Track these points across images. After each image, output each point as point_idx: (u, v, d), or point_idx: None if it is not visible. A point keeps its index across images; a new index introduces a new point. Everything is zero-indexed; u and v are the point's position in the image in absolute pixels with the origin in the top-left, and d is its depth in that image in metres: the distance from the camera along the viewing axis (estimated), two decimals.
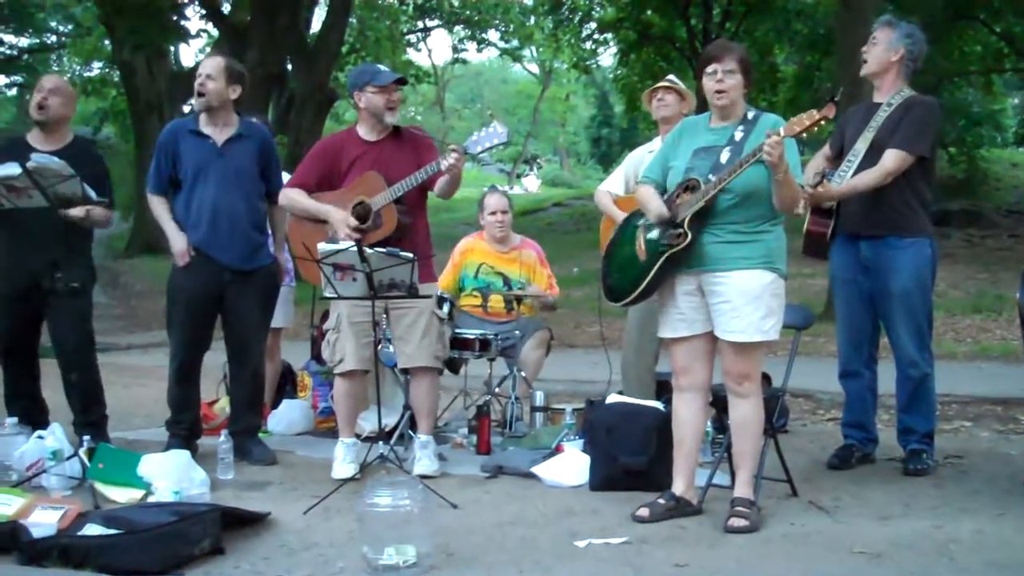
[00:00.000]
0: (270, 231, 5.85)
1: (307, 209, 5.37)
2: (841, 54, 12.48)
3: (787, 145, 4.12)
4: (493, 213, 6.75)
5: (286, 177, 5.72)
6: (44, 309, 5.53)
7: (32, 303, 5.50)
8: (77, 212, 5.31)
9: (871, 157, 5.15)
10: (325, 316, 7.05)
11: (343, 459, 5.22)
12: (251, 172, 5.60)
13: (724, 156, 4.31)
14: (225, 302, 5.58)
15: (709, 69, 4.39)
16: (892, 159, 5.08)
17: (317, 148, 5.61)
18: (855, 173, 5.17)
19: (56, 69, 37.51)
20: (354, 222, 5.17)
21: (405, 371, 5.92)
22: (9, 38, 36.79)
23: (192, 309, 5.56)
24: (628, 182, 5.94)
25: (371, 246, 4.87)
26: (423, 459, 5.23)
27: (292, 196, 5.42)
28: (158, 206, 5.64)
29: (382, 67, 5.49)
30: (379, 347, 5.29)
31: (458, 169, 5.05)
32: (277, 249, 5.90)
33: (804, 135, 4.17)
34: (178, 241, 5.52)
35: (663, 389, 5.63)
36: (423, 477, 5.03)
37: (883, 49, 5.25)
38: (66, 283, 5.45)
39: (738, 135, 4.35)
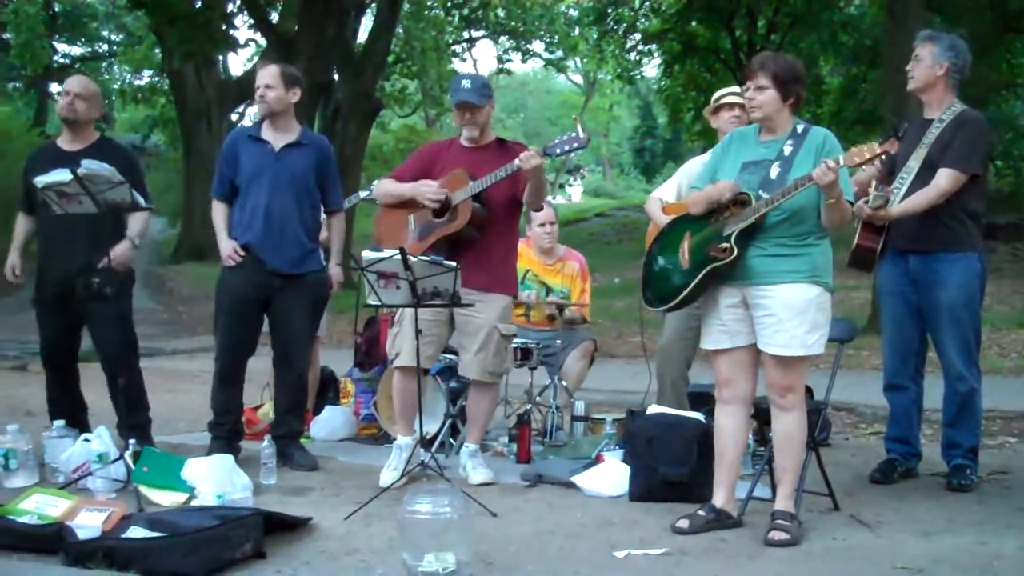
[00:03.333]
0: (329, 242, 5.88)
1: (394, 192, 5.43)
2: (888, 65, 12.37)
3: (841, 171, 4.12)
4: (542, 225, 6.74)
5: None
6: (84, 314, 5.58)
7: (70, 308, 5.55)
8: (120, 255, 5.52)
9: (924, 175, 5.12)
10: (368, 323, 7.12)
11: (392, 464, 5.22)
12: (306, 178, 5.64)
13: (774, 171, 4.29)
14: (273, 306, 5.63)
15: (745, 86, 4.40)
16: (946, 179, 5.04)
17: (420, 148, 5.77)
18: (908, 190, 5.15)
19: (107, 77, 38.04)
20: (435, 185, 5.25)
21: (447, 379, 5.96)
22: (63, 47, 37.38)
23: (238, 310, 5.61)
24: (680, 191, 5.93)
25: (438, 245, 5.00)
26: (478, 468, 5.28)
27: (384, 184, 5.53)
28: (217, 212, 5.72)
29: (463, 83, 5.42)
30: None
31: (539, 171, 5.07)
32: (333, 260, 5.88)
33: (863, 167, 4.17)
34: (226, 245, 5.59)
35: (703, 401, 5.61)
36: (482, 486, 5.09)
37: (927, 65, 5.21)
38: (100, 288, 5.44)
39: (787, 149, 4.32)
